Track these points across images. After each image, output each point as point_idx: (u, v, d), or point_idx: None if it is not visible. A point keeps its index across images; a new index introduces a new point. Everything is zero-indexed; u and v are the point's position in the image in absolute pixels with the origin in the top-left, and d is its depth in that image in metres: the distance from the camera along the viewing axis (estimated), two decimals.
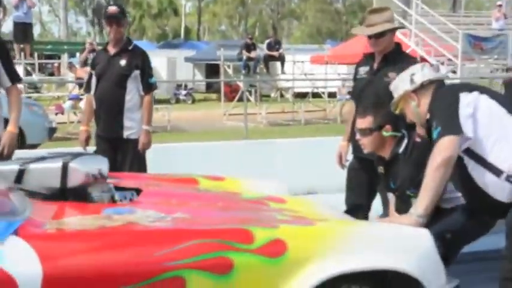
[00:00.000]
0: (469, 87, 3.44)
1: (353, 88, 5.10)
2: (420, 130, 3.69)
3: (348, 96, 20.36)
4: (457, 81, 18.63)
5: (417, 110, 3.48)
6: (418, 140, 3.90)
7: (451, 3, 20.93)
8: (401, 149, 3.88)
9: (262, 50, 19.72)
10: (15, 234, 2.63)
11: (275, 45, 19.46)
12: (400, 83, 3.57)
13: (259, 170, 7.94)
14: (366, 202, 4.87)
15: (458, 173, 3.31)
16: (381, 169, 4.12)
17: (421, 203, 3.27)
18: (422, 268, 3.14)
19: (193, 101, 26.28)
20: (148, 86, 5.78)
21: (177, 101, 24.70)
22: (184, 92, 26.19)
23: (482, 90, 3.43)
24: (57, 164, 3.33)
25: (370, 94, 4.76)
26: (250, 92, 18.40)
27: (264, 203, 3.67)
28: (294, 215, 3.43)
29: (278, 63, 20.43)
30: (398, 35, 18.87)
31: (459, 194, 3.67)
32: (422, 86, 3.49)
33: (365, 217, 4.88)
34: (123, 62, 5.69)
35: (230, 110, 18.55)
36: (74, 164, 3.34)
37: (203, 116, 19.93)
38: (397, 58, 4.72)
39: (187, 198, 3.60)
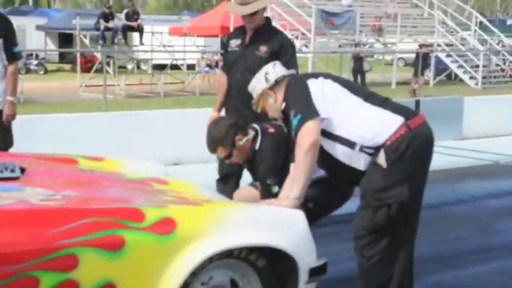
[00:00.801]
0: (314, 75, 3.74)
1: (224, 60, 5.26)
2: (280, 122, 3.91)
3: (206, 69, 20.60)
4: (310, 55, 19.37)
5: (275, 105, 3.73)
6: (271, 131, 4.13)
7: None
8: (257, 145, 4.09)
9: (120, 20, 19.38)
10: None
11: (133, 15, 19.16)
12: (257, 83, 3.81)
13: (123, 142, 7.97)
14: (238, 170, 5.08)
15: (320, 154, 3.57)
16: (247, 167, 4.32)
17: (296, 187, 3.51)
18: (296, 246, 3.37)
19: (46, 72, 25.44)
20: (13, 55, 5.61)
21: (28, 71, 23.79)
22: (35, 62, 25.30)
23: (326, 75, 3.74)
24: None
25: (241, 67, 4.94)
26: (108, 63, 18.06)
27: (148, 183, 3.73)
28: (177, 196, 3.52)
29: (135, 34, 20.16)
30: None
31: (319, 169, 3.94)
32: (277, 82, 3.75)
33: (236, 185, 5.10)
34: None
35: (87, 81, 18.17)
36: None
37: (57, 87, 19.39)
38: (267, 32, 4.94)
39: (73, 177, 3.58)
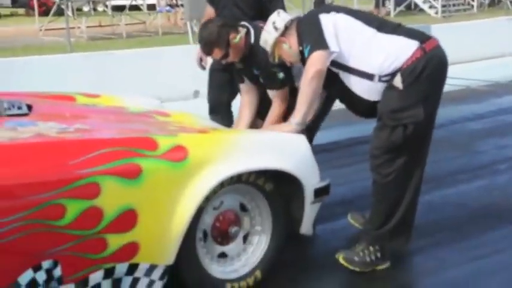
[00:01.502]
0: (326, 10, 3.76)
1: None
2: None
3: (167, 8, 20.32)
4: None
5: (291, 50, 3.76)
6: (262, 25, 4.17)
7: None
8: (252, 39, 4.11)
9: None
10: None
11: None
12: (268, 35, 3.82)
13: (98, 82, 7.90)
14: (227, 100, 5.13)
15: (337, 87, 3.65)
16: (239, 65, 4.28)
17: (299, 113, 3.61)
18: (301, 168, 3.51)
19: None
20: None
21: None
22: None
23: (338, 9, 3.77)
24: None
25: (228, 3, 4.95)
26: (66, 6, 17.71)
27: (151, 116, 3.78)
28: (182, 126, 3.58)
29: None
30: None
31: None
32: (286, 28, 3.77)
33: (229, 114, 5.16)
34: None
35: (46, 24, 17.83)
36: None
37: (15, 32, 18.98)
38: None
39: (79, 111, 3.61)
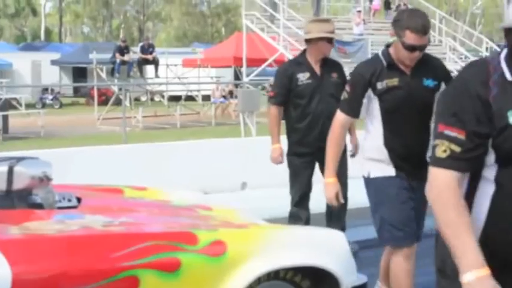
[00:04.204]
0: None
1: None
2: None
3: (221, 99, 20.87)
4: None
5: None
6: None
7: (314, 8, 21.72)
8: None
9: (134, 53, 19.72)
10: None
11: (148, 48, 19.52)
12: None
13: (150, 174, 8.11)
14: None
15: None
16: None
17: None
18: (339, 265, 3.52)
19: (61, 106, 25.79)
20: None
21: (44, 105, 24.10)
22: (51, 97, 25.61)
23: None
24: (3, 168, 3.41)
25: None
26: (125, 96, 18.37)
27: (194, 210, 3.91)
28: (223, 220, 3.70)
29: (150, 67, 20.49)
30: (267, 39, 19.43)
31: None
32: None
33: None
34: None
35: (104, 114, 18.44)
36: (19, 167, 3.43)
37: (75, 121, 19.65)
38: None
39: (125, 204, 3.78)
